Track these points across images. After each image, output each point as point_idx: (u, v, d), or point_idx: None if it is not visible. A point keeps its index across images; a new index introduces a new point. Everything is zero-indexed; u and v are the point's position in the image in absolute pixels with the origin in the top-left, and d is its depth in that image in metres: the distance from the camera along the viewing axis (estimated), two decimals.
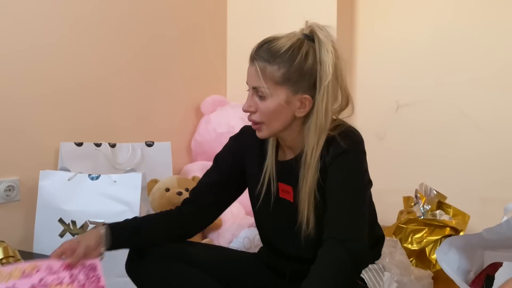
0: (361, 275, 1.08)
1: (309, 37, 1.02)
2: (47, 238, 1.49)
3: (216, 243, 1.78)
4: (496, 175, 2.01)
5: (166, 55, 2.11)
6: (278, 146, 1.14)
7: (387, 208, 2.12)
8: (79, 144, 1.71)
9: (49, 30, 1.67)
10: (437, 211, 1.78)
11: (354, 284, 1.09)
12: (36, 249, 1.49)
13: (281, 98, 1.01)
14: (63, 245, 1.04)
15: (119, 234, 1.10)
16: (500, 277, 1.03)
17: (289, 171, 1.09)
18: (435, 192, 1.84)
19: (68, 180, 1.53)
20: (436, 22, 2.13)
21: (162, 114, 2.11)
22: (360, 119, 2.35)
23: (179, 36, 2.17)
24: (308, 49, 1.00)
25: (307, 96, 1.02)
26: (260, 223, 1.22)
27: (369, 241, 1.12)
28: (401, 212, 1.92)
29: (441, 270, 1.31)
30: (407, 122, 2.20)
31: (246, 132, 1.19)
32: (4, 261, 1.23)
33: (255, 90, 1.04)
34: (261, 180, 1.12)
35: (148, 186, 1.74)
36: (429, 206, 1.80)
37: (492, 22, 2.02)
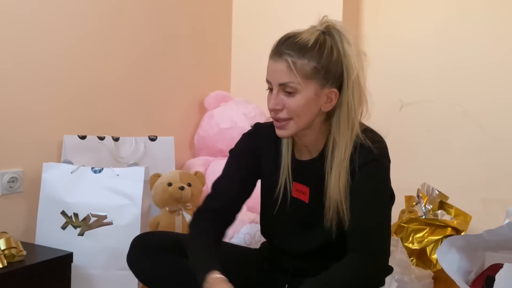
0: None
1: (325, 33, 1.02)
2: (49, 230, 1.49)
3: None
4: (499, 176, 2.00)
5: (170, 50, 2.11)
6: (293, 145, 1.13)
7: None
8: (83, 137, 1.71)
9: (54, 24, 1.68)
10: (439, 211, 1.78)
11: None
12: (38, 241, 1.49)
13: (311, 91, 1.00)
14: None
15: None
16: (501, 278, 1.03)
17: (307, 171, 1.07)
18: (437, 192, 1.84)
19: (71, 172, 1.54)
20: (440, 21, 2.12)
21: (166, 108, 2.11)
22: (364, 117, 2.35)
23: (183, 31, 2.17)
24: (331, 43, 1.00)
25: (334, 89, 1.01)
26: (267, 220, 1.21)
27: None
28: (402, 211, 1.91)
29: (442, 270, 1.32)
30: (410, 121, 2.20)
31: (260, 130, 1.18)
32: (6, 252, 1.24)
33: (282, 86, 1.01)
34: (279, 181, 1.10)
35: (151, 180, 1.74)
36: (431, 206, 1.80)
37: (497, 20, 2.01)
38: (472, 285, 1.28)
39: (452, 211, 1.80)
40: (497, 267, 1.22)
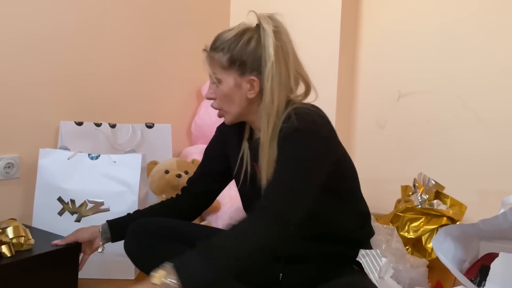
0: (358, 260, 1.09)
1: (253, 27, 1.10)
2: (46, 216, 1.49)
3: (214, 225, 1.79)
4: (494, 167, 2.02)
5: (168, 37, 2.10)
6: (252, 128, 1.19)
7: (385, 196, 2.13)
8: (79, 124, 1.70)
9: (51, 12, 1.66)
10: (435, 201, 1.79)
11: (350, 268, 1.11)
12: (35, 226, 1.49)
13: (231, 81, 1.08)
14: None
15: (117, 228, 1.24)
16: (496, 267, 1.04)
17: (257, 149, 1.11)
18: (433, 182, 1.84)
19: (68, 159, 1.53)
20: (440, 12, 2.12)
21: (163, 96, 2.10)
22: (362, 107, 2.36)
23: (181, 18, 2.15)
24: (252, 35, 1.08)
25: (254, 77, 1.07)
26: (243, 203, 1.25)
27: (356, 218, 1.14)
28: (398, 201, 1.93)
29: (437, 258, 1.33)
30: (408, 112, 2.20)
31: None
32: (14, 240, 1.21)
33: (210, 78, 1.12)
34: (238, 161, 1.17)
35: (148, 168, 1.74)
36: (427, 196, 1.81)
37: (497, 12, 2.01)
38: (466, 273, 1.29)
39: (448, 201, 1.81)
40: (491, 256, 1.23)
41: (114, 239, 1.26)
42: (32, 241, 1.26)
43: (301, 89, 1.11)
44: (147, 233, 1.16)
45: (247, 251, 0.92)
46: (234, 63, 1.07)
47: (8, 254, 1.19)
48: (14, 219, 1.30)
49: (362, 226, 1.16)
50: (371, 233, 1.18)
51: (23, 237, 1.23)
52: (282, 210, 0.95)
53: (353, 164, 1.15)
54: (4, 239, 1.20)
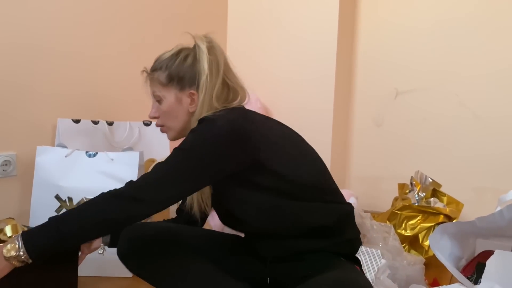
0: (358, 256, 1.09)
1: (189, 47, 1.17)
2: (44, 213, 1.48)
3: (212, 223, 1.79)
4: (491, 165, 2.02)
5: (166, 35, 2.09)
6: None
7: (382, 194, 2.14)
8: (77, 121, 1.70)
9: (49, 8, 1.65)
10: (432, 199, 1.80)
11: (338, 261, 1.09)
12: (32, 224, 1.49)
13: (171, 97, 1.14)
14: None
15: (117, 234, 1.20)
16: (491, 265, 1.05)
17: None
18: (430, 180, 1.85)
19: (65, 156, 1.53)
20: (438, 10, 2.12)
21: None
22: (359, 105, 2.36)
23: (180, 16, 2.14)
24: (188, 52, 1.15)
25: (193, 91, 1.12)
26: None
27: (326, 212, 1.09)
28: (395, 199, 1.93)
29: (434, 256, 1.34)
30: (405, 110, 2.21)
31: None
32: None
33: (153, 97, 1.18)
34: None
35: (145, 166, 1.74)
36: (424, 194, 1.82)
37: (495, 10, 2.01)
38: (463, 271, 1.30)
39: (445, 199, 1.81)
40: (487, 254, 1.24)
41: (112, 244, 1.23)
42: None
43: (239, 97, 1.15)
44: (139, 236, 1.14)
45: (90, 222, 0.98)
46: (173, 80, 1.13)
47: None
48: (12, 218, 1.30)
49: (334, 218, 1.10)
50: (346, 221, 1.13)
51: None
52: (135, 192, 0.99)
53: (313, 162, 1.12)
54: (2, 237, 1.20)
